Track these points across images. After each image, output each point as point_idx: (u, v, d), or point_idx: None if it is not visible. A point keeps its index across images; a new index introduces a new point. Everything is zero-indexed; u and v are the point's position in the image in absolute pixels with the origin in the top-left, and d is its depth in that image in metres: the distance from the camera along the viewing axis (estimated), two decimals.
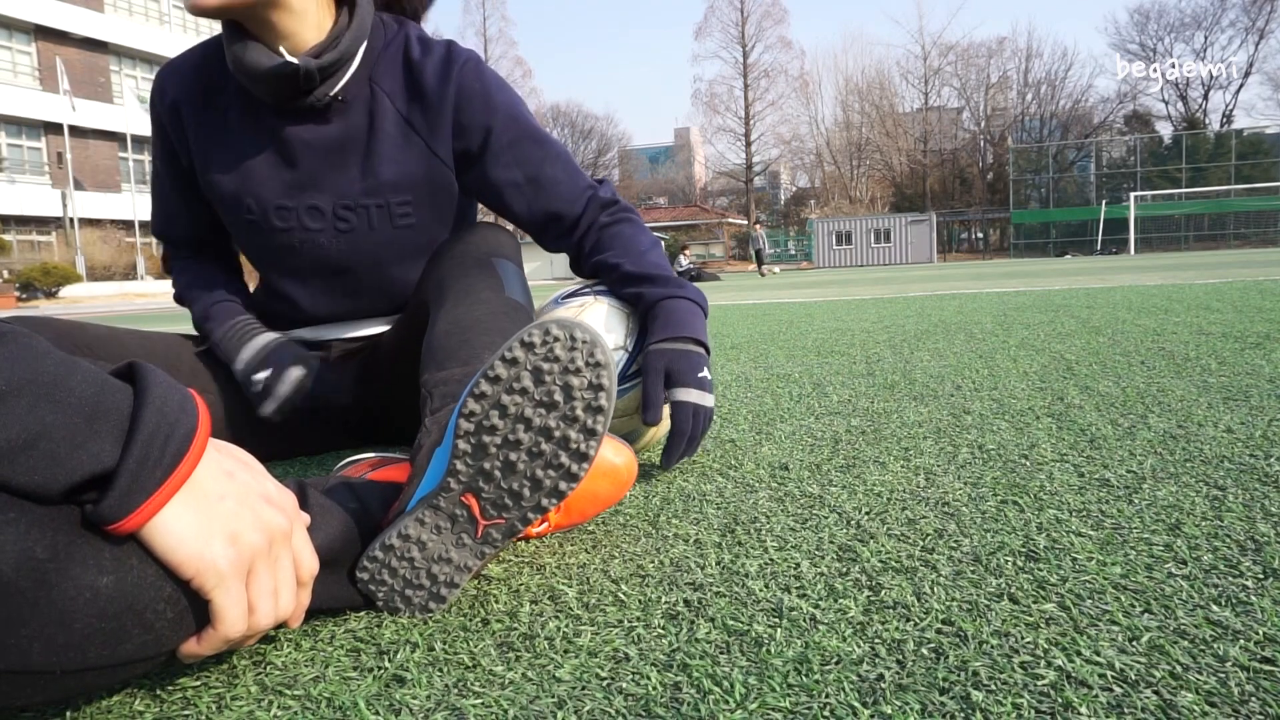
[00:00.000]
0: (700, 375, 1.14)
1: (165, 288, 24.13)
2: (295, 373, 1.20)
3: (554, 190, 1.25)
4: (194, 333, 1.36)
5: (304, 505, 0.72)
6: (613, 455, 0.93)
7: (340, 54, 1.12)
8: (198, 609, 0.56)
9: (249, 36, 1.10)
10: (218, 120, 1.20)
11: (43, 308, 17.13)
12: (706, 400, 1.13)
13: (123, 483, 0.50)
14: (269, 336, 1.24)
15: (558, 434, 0.71)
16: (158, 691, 0.63)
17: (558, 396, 0.70)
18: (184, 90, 1.21)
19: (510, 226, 1.34)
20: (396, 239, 1.24)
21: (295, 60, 1.08)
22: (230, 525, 0.56)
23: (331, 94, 1.15)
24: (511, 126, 1.22)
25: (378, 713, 0.58)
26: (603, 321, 1.20)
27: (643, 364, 1.15)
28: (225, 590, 0.56)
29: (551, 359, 0.70)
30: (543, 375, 0.70)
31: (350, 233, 1.23)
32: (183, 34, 32.17)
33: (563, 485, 0.72)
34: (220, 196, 1.23)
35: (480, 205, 1.35)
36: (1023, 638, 0.63)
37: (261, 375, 1.19)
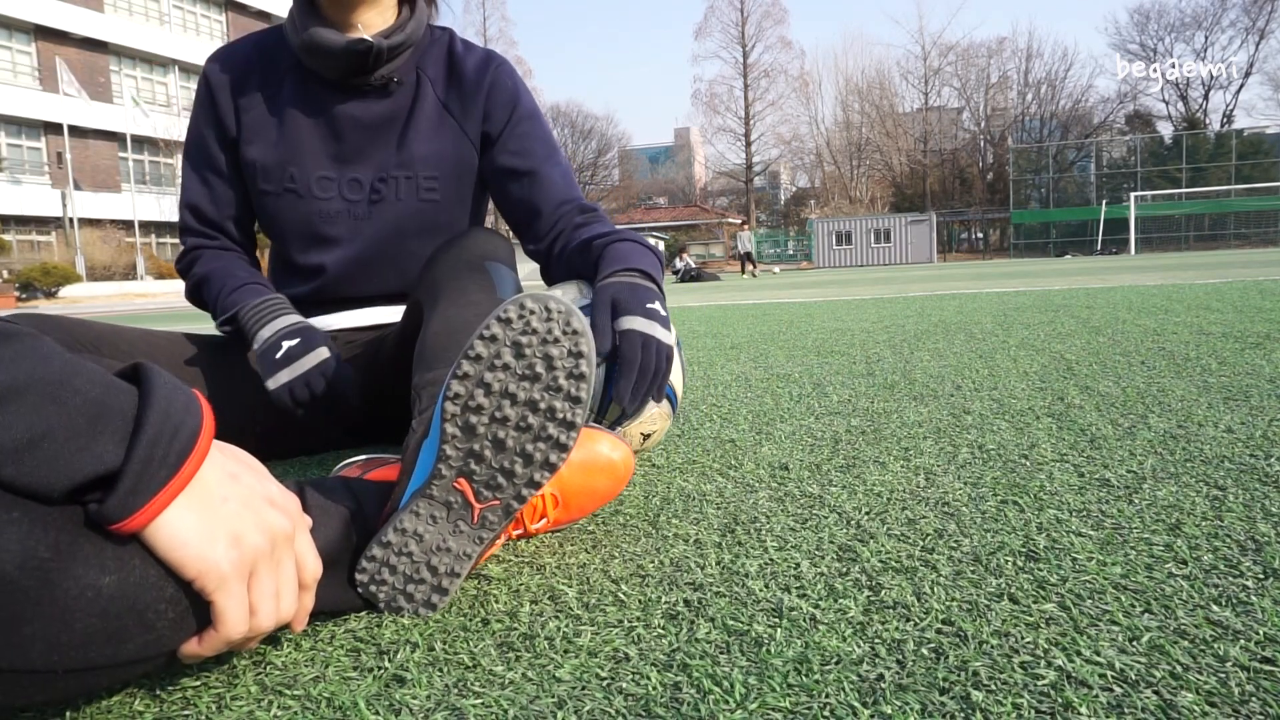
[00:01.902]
0: (650, 306, 1.07)
1: (165, 288, 24.12)
2: (321, 352, 1.18)
3: (547, 188, 1.33)
4: (195, 331, 1.36)
5: (304, 507, 0.72)
6: (609, 450, 0.93)
7: (406, 37, 1.27)
8: (199, 610, 0.56)
9: (323, 20, 1.24)
10: (272, 97, 1.30)
11: (42, 308, 17.12)
12: (657, 332, 1.04)
13: (126, 483, 0.50)
14: (296, 318, 1.24)
15: (543, 405, 0.72)
16: (158, 691, 0.63)
17: (539, 368, 0.71)
18: (244, 66, 1.31)
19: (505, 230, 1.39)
20: (419, 211, 1.33)
21: (370, 39, 1.22)
22: (233, 527, 0.56)
23: (388, 75, 1.27)
24: (527, 122, 1.35)
25: (378, 713, 0.58)
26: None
27: (591, 302, 1.10)
28: (227, 592, 0.56)
29: (529, 331, 0.71)
30: (522, 349, 0.71)
31: (381, 202, 1.32)
32: (183, 34, 32.16)
33: (553, 457, 0.73)
34: (264, 166, 1.30)
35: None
36: (1023, 638, 0.63)
37: (290, 343, 1.18)
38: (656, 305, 1.08)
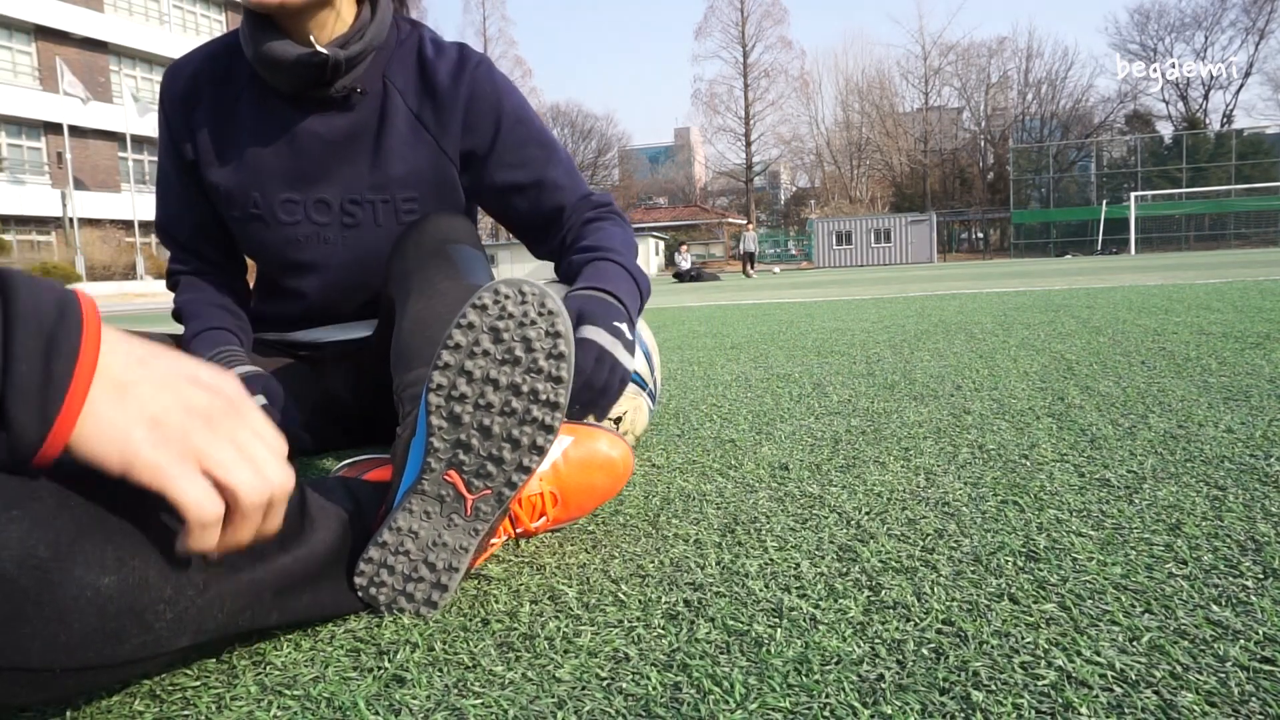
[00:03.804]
0: (616, 324, 1.02)
1: (164, 288, 24.12)
2: (256, 401, 1.13)
3: (556, 193, 1.26)
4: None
5: (303, 509, 0.72)
6: (608, 448, 0.93)
7: (365, 45, 1.15)
8: (197, 611, 0.56)
9: (274, 29, 1.13)
10: (227, 114, 1.22)
11: None
12: (618, 351, 1.00)
13: (19, 418, 0.45)
14: (246, 368, 1.19)
15: (525, 388, 0.72)
16: (158, 691, 0.63)
17: (518, 351, 0.71)
18: (194, 85, 1.22)
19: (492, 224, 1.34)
20: None
21: (324, 50, 1.11)
22: (148, 411, 0.51)
23: (350, 85, 1.17)
24: (519, 129, 1.24)
25: (378, 713, 0.58)
26: None
27: None
28: (167, 476, 0.51)
29: (505, 316, 0.72)
30: (500, 334, 0.72)
31: (356, 228, 1.24)
32: (182, 34, 32.16)
33: (540, 440, 0.73)
34: (226, 191, 1.23)
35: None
36: (1023, 638, 0.63)
37: None
38: (623, 326, 1.03)
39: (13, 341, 0.45)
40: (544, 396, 0.72)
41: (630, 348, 1.03)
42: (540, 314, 0.72)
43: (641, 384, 1.30)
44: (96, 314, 0.51)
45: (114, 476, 0.50)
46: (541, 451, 0.73)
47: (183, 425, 0.52)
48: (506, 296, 0.72)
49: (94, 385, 0.49)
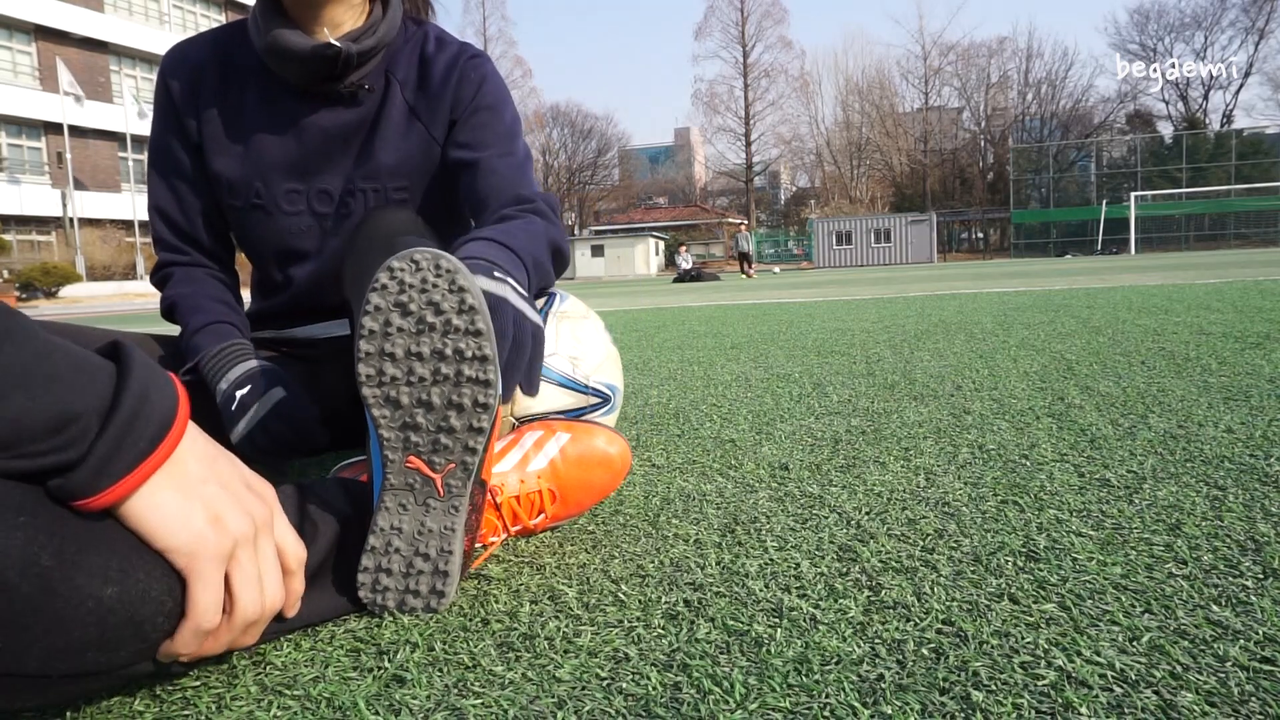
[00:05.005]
0: (499, 276, 0.87)
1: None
2: (275, 394, 1.12)
3: (491, 179, 1.22)
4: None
5: (302, 512, 0.72)
6: (605, 444, 0.93)
7: (377, 41, 1.17)
8: None
9: (288, 21, 1.14)
10: (233, 102, 1.22)
11: (42, 307, 17.13)
12: (511, 297, 0.84)
13: (94, 460, 0.50)
14: (255, 363, 1.18)
15: (449, 350, 0.72)
16: (158, 691, 0.63)
17: (430, 317, 0.72)
18: (202, 68, 1.22)
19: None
20: None
21: (337, 43, 1.12)
22: (214, 508, 0.56)
23: (358, 82, 1.19)
24: (485, 112, 1.24)
25: (378, 713, 0.58)
26: None
27: None
28: (201, 573, 0.55)
29: (407, 288, 0.72)
30: (407, 306, 0.72)
31: (349, 217, 1.25)
32: (182, 34, 32.11)
33: (482, 397, 0.72)
34: (228, 180, 1.23)
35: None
36: (1023, 638, 0.63)
37: (242, 392, 1.13)
38: (508, 279, 0.88)
39: (110, 419, 0.51)
40: (469, 353, 0.72)
41: (527, 300, 0.89)
42: (439, 275, 0.72)
43: (576, 386, 1.15)
44: (186, 413, 0.56)
45: (155, 551, 0.54)
46: (487, 409, 0.73)
47: (236, 530, 0.57)
48: (402, 269, 0.72)
49: (165, 472, 0.54)
